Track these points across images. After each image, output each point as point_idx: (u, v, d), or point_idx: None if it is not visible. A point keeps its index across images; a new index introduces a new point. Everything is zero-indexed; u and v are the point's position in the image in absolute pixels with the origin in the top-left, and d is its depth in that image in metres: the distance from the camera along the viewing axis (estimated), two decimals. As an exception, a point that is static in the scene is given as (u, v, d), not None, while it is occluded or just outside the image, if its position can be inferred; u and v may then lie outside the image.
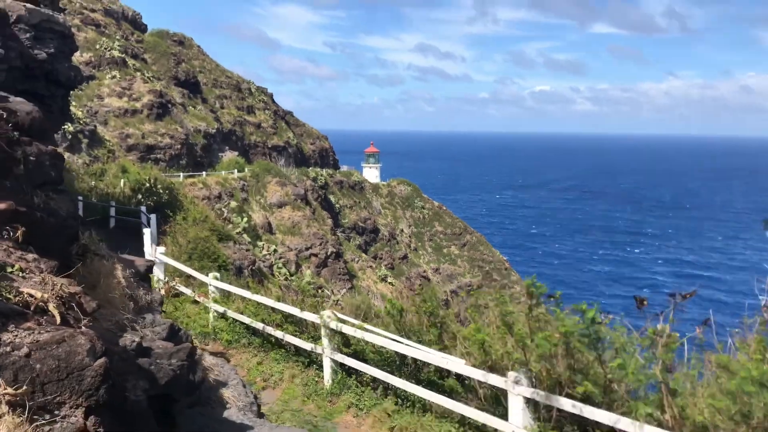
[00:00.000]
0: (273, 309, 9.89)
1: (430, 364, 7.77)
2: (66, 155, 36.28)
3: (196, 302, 12.26)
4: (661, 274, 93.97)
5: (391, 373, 7.93)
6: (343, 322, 8.52)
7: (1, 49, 12.13)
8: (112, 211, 23.79)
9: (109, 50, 56.47)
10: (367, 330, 8.08)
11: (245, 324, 10.49)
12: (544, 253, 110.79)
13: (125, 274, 3.91)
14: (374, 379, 8.29)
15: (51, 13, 14.20)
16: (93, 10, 60.02)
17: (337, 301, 36.38)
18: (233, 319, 10.76)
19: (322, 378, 8.88)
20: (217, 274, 11.56)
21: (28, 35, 13.24)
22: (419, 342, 7.80)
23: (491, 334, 6.38)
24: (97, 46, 55.90)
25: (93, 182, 34.14)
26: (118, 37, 61.18)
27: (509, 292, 78.53)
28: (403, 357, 7.97)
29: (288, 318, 9.76)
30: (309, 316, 9.06)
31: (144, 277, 4.40)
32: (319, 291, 43.55)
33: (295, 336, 9.53)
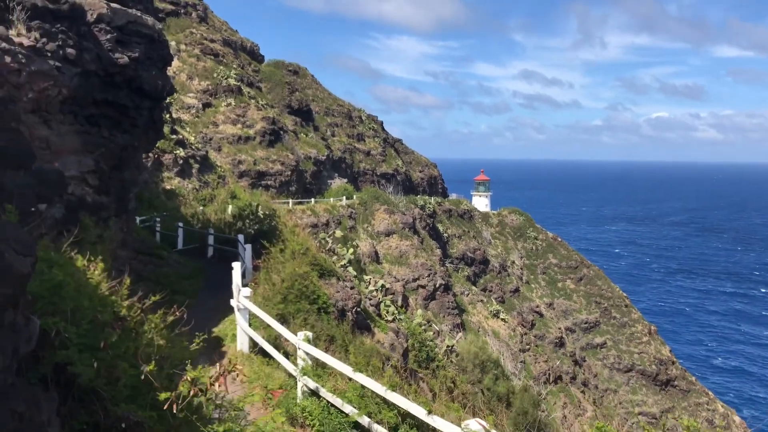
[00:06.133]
0: (384, 400, 6.85)
1: None
2: (176, 180, 35.93)
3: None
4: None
5: None
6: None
7: (72, 49, 10.23)
8: (211, 240, 22.15)
9: (225, 78, 57.38)
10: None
11: (345, 412, 7.51)
12: (661, 290, 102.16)
13: None
14: None
15: (139, 14, 12.36)
16: (212, 41, 61.58)
17: (452, 346, 33.00)
18: (328, 401, 7.80)
19: None
20: (309, 334, 8.48)
21: (109, 36, 11.38)
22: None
23: None
24: (215, 75, 56.96)
25: (200, 207, 33.35)
26: (235, 66, 62.36)
27: (629, 330, 70.91)
28: None
29: (406, 418, 6.66)
30: (443, 424, 5.83)
31: None
32: (428, 325, 40.33)
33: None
